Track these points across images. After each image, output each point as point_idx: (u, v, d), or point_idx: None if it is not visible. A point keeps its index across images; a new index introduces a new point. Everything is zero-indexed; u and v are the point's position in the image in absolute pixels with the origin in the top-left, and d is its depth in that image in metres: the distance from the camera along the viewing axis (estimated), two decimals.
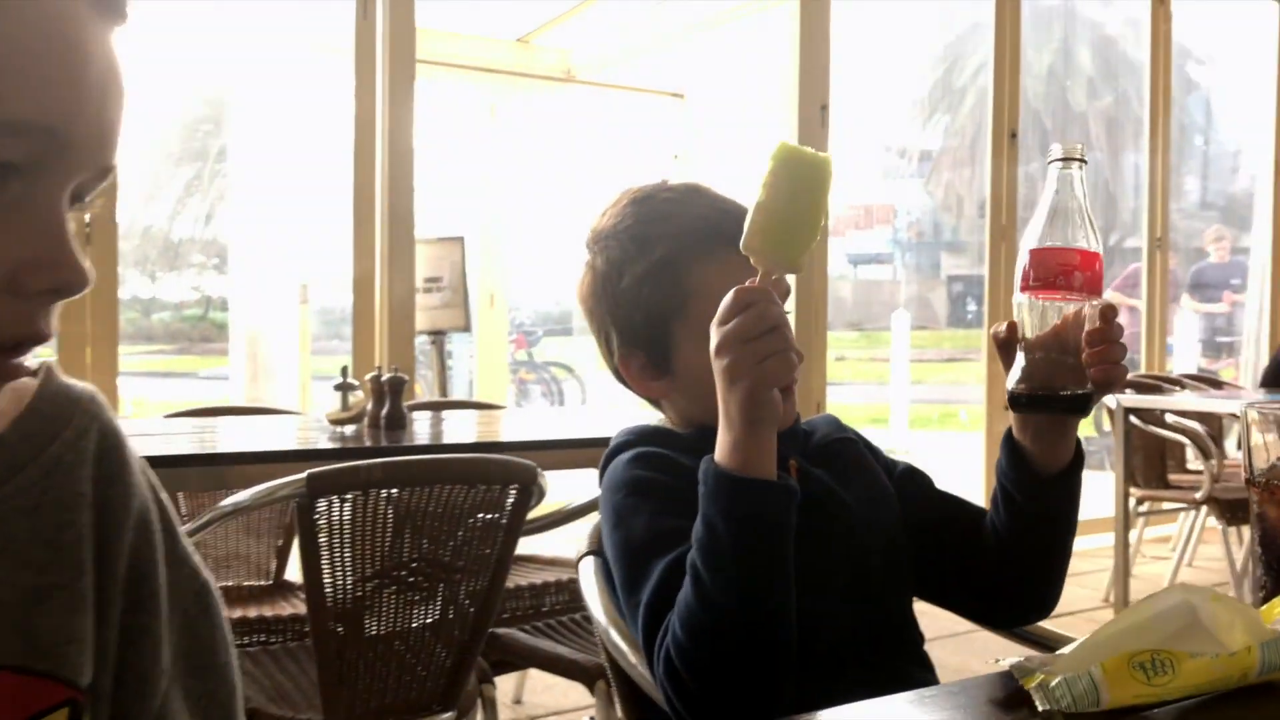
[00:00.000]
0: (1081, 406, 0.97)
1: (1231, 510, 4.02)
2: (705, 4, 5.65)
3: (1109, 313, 0.95)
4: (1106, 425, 7.64)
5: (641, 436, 1.13)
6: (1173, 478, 4.46)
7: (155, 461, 1.86)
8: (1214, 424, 4.33)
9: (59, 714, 0.59)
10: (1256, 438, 0.84)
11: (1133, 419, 4.08)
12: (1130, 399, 4.12)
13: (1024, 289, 0.97)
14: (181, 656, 0.66)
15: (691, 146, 5.92)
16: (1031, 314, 0.97)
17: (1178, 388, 4.59)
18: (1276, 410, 0.83)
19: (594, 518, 2.41)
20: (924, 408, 11.12)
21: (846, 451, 1.19)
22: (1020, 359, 0.98)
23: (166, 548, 0.66)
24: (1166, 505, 4.54)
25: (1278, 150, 6.20)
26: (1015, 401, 0.99)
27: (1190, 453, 4.52)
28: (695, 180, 1.22)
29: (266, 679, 2.02)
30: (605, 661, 1.12)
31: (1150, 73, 5.78)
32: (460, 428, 2.80)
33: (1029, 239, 0.97)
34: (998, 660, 0.74)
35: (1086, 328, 0.96)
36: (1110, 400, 4.18)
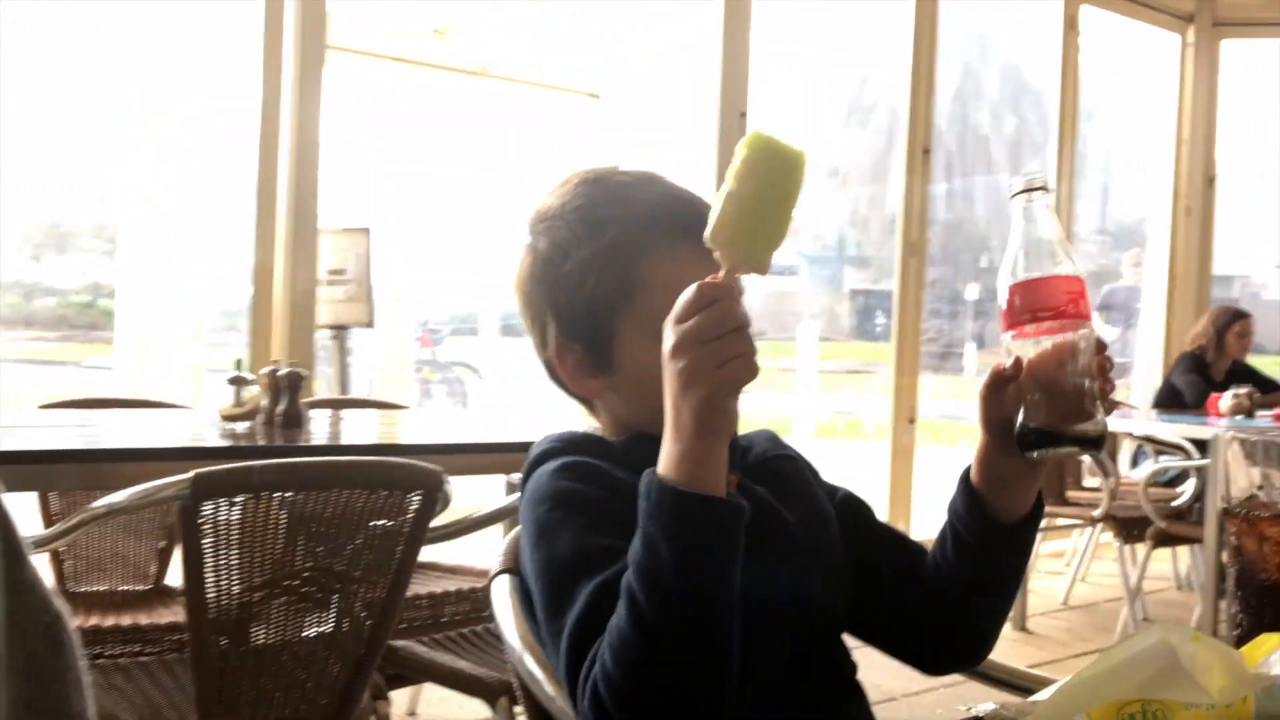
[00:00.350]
0: (1098, 441, 0.91)
1: (1128, 528, 4.09)
2: (625, 5, 5.59)
3: (1102, 343, 0.91)
4: None
5: (570, 444, 1.03)
6: (1070, 494, 4.53)
7: (22, 457, 1.71)
8: (1109, 442, 4.41)
9: None
10: (1236, 467, 0.79)
11: None
12: None
13: (1012, 327, 0.92)
14: (24, 706, 0.55)
15: (607, 148, 5.85)
16: (1024, 351, 0.92)
17: None
18: (1258, 438, 0.78)
19: (501, 527, 2.31)
20: (829, 418, 11.25)
21: (787, 470, 1.12)
22: (1025, 399, 0.93)
23: (6, 571, 0.55)
24: (1062, 521, 4.61)
25: (1175, 179, 6.39)
26: (1026, 442, 0.93)
27: (1086, 470, 4.61)
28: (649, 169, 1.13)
29: (139, 694, 1.87)
30: (519, 690, 1.02)
31: (1059, 99, 5.89)
32: (361, 428, 2.67)
33: (1006, 276, 0.92)
34: (969, 708, 0.67)
35: (1084, 356, 0.90)
36: None
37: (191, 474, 1.52)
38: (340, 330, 4.28)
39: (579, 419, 1.13)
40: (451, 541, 2.24)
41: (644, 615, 0.81)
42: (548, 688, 0.95)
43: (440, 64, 5.63)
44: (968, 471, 1.03)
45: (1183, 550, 4.74)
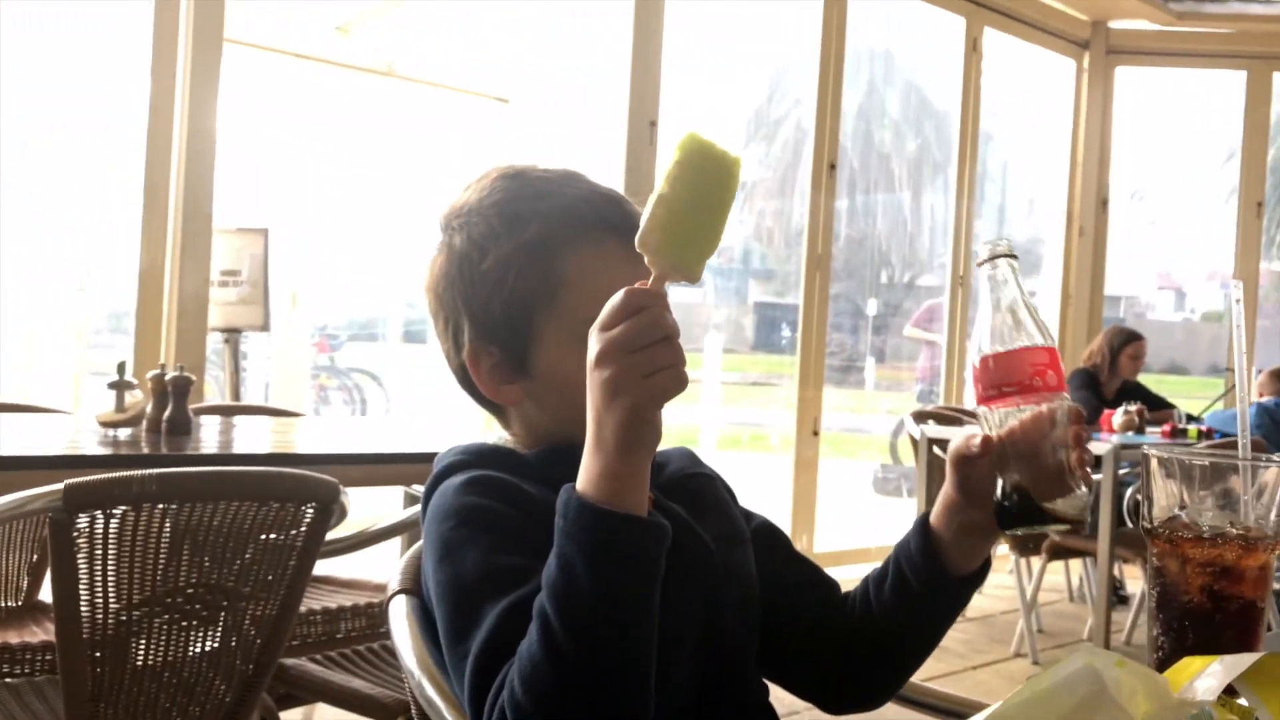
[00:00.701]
0: (1079, 517, 0.88)
1: (1023, 541, 4.17)
2: (536, 7, 5.54)
3: (1077, 413, 0.89)
4: (905, 454, 7.93)
5: (478, 457, 0.98)
6: None
7: None
8: None
9: None
10: (1157, 486, 0.78)
11: (935, 449, 4.18)
12: (933, 430, 4.23)
13: (987, 400, 0.90)
14: None
15: (515, 153, 5.79)
16: (998, 424, 0.90)
17: (973, 420, 4.75)
18: (1179, 456, 0.77)
19: (400, 541, 2.24)
20: (732, 429, 11.31)
21: (704, 488, 1.07)
22: (1002, 474, 0.91)
23: None
24: None
25: (1069, 200, 6.58)
26: (1006, 519, 0.90)
27: None
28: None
29: (6, 718, 1.75)
30: (415, 716, 0.96)
31: (960, 119, 6.02)
32: (253, 436, 2.57)
33: (979, 347, 0.90)
34: None
35: (1059, 429, 0.88)
36: (914, 430, 4.28)
37: (63, 484, 1.42)
38: (233, 334, 4.13)
39: (486, 430, 1.08)
40: (346, 555, 2.16)
41: (558, 640, 0.76)
42: (447, 715, 0.89)
43: (344, 62, 5.50)
44: (926, 517, 1.01)
45: (1075, 563, 4.86)
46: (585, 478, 0.79)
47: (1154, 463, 0.78)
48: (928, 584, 1.00)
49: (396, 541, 2.25)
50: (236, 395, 4.21)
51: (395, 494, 2.35)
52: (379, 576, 2.56)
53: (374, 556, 2.26)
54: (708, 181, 0.81)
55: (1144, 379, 5.39)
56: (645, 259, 0.81)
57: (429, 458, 1.00)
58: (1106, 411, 4.58)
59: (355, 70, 5.57)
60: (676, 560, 0.83)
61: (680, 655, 0.91)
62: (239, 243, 4.03)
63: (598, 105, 4.96)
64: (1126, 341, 5.21)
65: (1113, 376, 5.18)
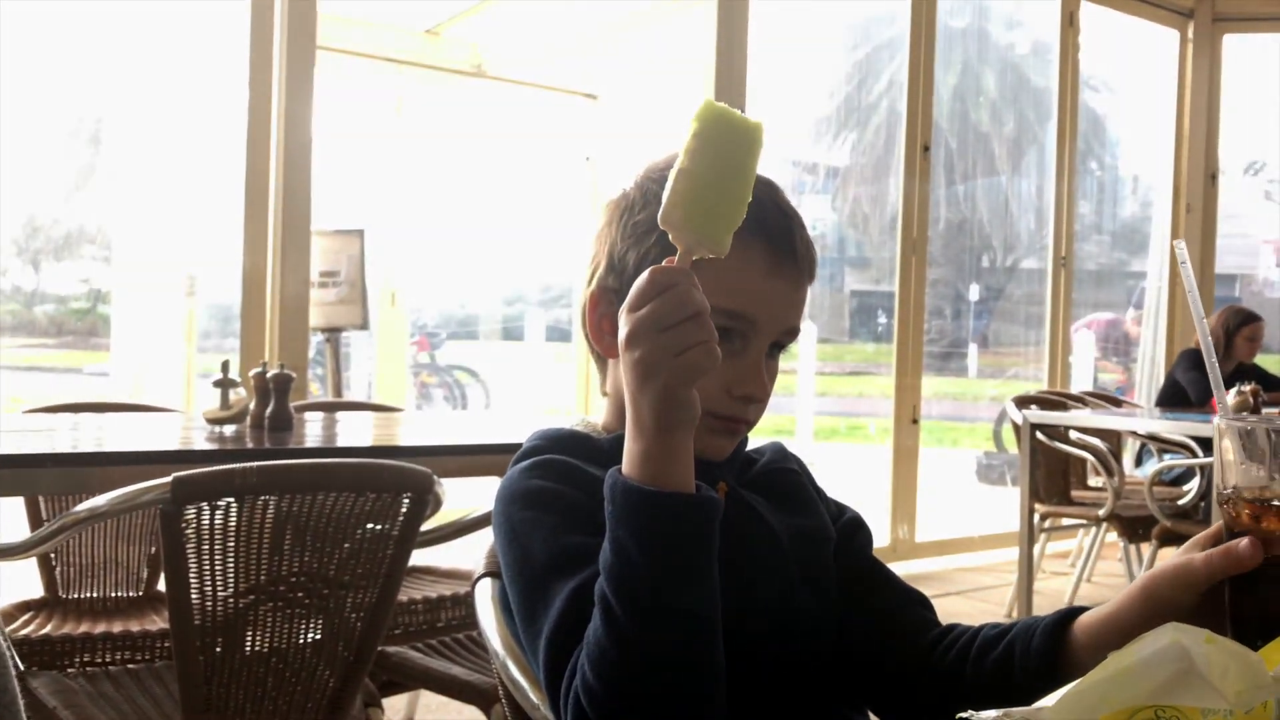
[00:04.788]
0: None
1: (1133, 527, 4.05)
2: (621, 4, 5.56)
3: None
4: (1009, 442, 7.75)
5: (552, 442, 0.99)
6: (1073, 493, 4.49)
7: (3, 461, 1.67)
8: (1113, 441, 4.37)
9: None
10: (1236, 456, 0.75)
11: (1039, 435, 4.08)
12: (1036, 415, 4.13)
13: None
14: None
15: (604, 149, 5.81)
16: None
17: (1078, 404, 4.63)
18: (1258, 425, 0.74)
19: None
20: (829, 420, 11.20)
21: (788, 483, 1.06)
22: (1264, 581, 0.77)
23: None
24: (1068, 521, 4.57)
25: (1175, 176, 6.35)
26: (1257, 629, 0.76)
27: (1090, 469, 4.57)
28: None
29: (127, 703, 1.84)
30: (503, 697, 0.98)
31: (1058, 97, 5.86)
32: (354, 430, 2.63)
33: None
34: (970, 714, 0.63)
35: None
36: (1016, 416, 4.19)
37: (171, 477, 1.48)
38: (334, 333, 4.24)
39: (571, 420, 1.09)
40: (447, 545, 2.20)
41: (620, 624, 0.77)
42: (531, 695, 0.91)
43: (434, 64, 5.60)
44: (1072, 614, 0.91)
45: None
46: (628, 460, 0.80)
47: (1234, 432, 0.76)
48: (1032, 674, 0.90)
49: (491, 532, 2.29)
50: (338, 392, 4.32)
51: (490, 484, 2.39)
52: (477, 568, 2.60)
53: (473, 547, 2.30)
54: (728, 151, 0.79)
55: (1263, 360, 5.18)
56: (669, 235, 0.80)
57: (520, 447, 1.02)
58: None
59: (445, 71, 5.66)
60: (747, 553, 0.83)
61: (752, 647, 0.91)
62: (337, 244, 4.14)
63: (684, 98, 4.95)
64: (1244, 323, 5.01)
65: (1228, 359, 4.98)
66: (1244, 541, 0.77)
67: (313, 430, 2.43)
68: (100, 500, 1.55)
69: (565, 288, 8.07)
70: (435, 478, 1.71)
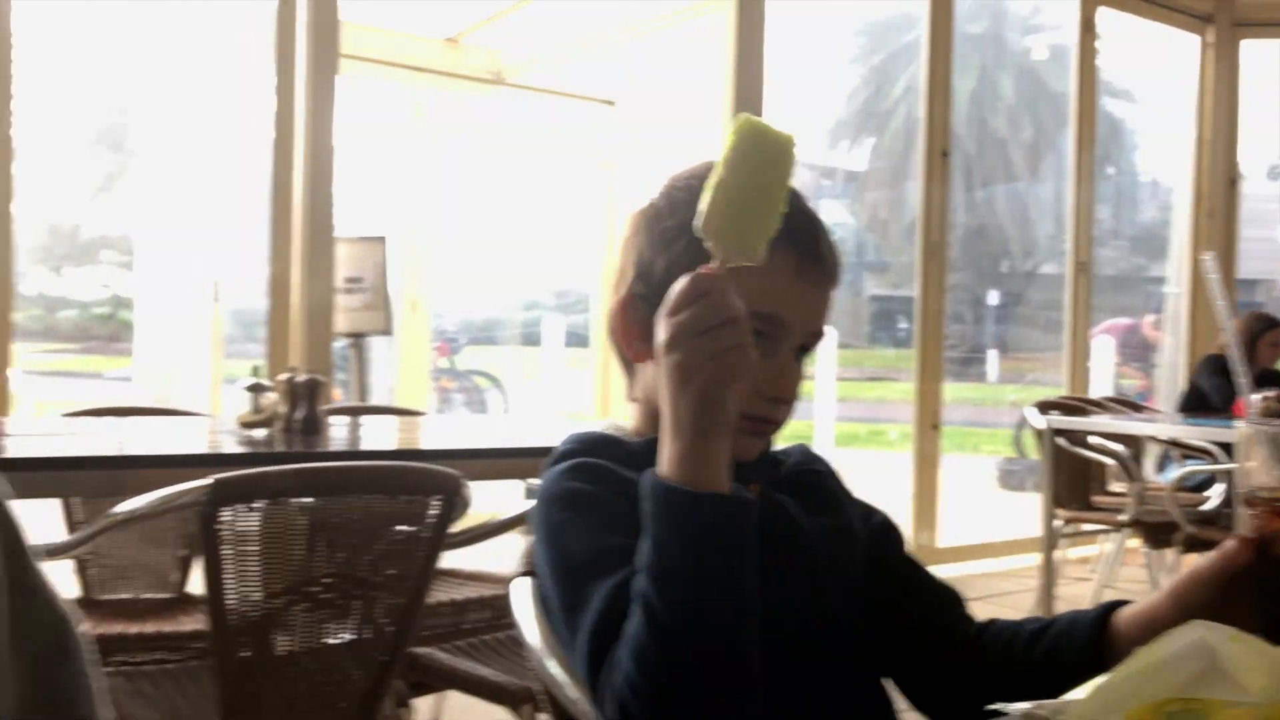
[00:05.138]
0: None
1: (1156, 533, 4.04)
2: (638, 11, 5.59)
3: None
4: (1030, 447, 7.73)
5: (586, 445, 1.02)
6: (1095, 499, 4.48)
7: (43, 464, 1.71)
8: (1134, 446, 4.37)
9: None
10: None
11: (1059, 440, 4.08)
12: (1057, 420, 4.13)
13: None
14: (30, 709, 0.54)
15: (622, 155, 5.84)
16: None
17: (1099, 409, 4.62)
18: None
19: (520, 533, 2.30)
20: (849, 425, 11.19)
21: (816, 483, 1.09)
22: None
23: (11, 574, 0.53)
24: (1089, 527, 4.56)
25: (1196, 181, 6.33)
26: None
27: (1112, 475, 4.56)
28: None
29: (164, 701, 1.87)
30: (542, 694, 1.01)
31: (1076, 102, 5.85)
32: (379, 434, 2.67)
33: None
34: (998, 711, 0.65)
35: None
36: (1038, 421, 4.19)
37: (210, 479, 1.52)
38: (358, 338, 4.28)
39: (600, 424, 1.11)
40: (471, 548, 2.23)
41: (660, 619, 0.80)
42: (570, 691, 0.93)
43: (453, 72, 5.64)
44: (1114, 607, 0.95)
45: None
46: (667, 461, 0.83)
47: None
48: (1075, 666, 0.88)
49: (518, 537, 2.32)
50: (363, 397, 4.36)
51: (516, 487, 2.42)
52: (501, 570, 2.63)
53: (496, 550, 2.33)
54: (763, 163, 0.82)
55: None
56: (708, 244, 0.82)
57: (546, 451, 1.05)
58: (1240, 399, 4.40)
59: (464, 79, 5.70)
60: (781, 555, 0.86)
61: (784, 646, 0.93)
62: (360, 251, 4.18)
63: (702, 103, 4.97)
64: (1267, 328, 4.98)
65: (1250, 364, 4.95)
66: (1233, 540, 0.82)
67: (340, 434, 2.46)
68: (140, 501, 1.58)
69: (583, 293, 8.10)
70: (464, 480, 1.74)
